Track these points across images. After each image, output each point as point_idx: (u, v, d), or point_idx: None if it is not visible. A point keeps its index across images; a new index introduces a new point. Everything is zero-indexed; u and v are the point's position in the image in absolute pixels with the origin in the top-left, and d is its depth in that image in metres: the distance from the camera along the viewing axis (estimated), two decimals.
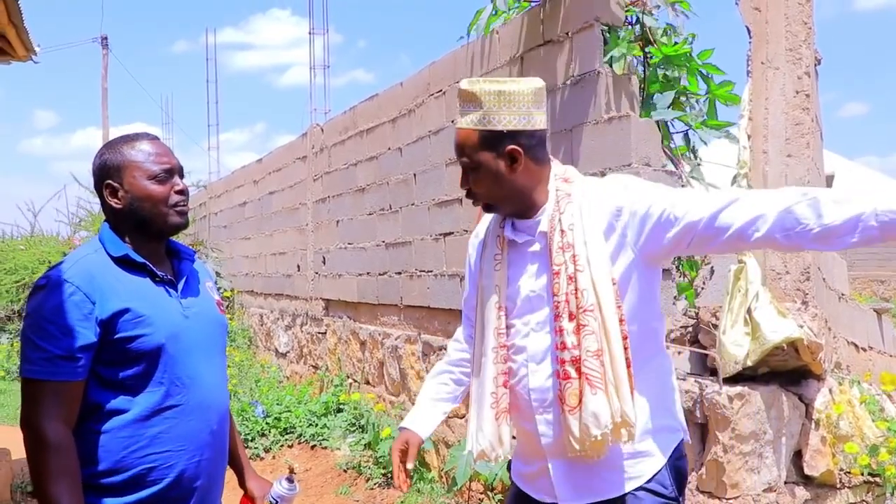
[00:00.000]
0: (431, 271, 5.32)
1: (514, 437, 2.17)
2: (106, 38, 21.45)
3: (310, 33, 11.66)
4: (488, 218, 2.21)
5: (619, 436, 1.94)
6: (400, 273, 5.83)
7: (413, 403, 5.54)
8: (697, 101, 4.24)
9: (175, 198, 1.99)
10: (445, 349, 5.02)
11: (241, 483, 2.29)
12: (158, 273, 1.98)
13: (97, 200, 13.03)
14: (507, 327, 2.10)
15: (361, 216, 6.53)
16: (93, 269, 1.89)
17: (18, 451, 6.02)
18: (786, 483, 3.32)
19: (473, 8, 4.41)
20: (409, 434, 2.29)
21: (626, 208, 1.97)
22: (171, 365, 1.93)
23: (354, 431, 6.17)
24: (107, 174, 1.98)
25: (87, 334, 1.83)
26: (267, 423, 6.64)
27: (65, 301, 1.83)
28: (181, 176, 2.05)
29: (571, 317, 1.95)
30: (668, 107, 4.01)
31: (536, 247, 2.06)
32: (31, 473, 1.83)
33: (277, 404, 6.88)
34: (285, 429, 6.61)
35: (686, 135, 4.29)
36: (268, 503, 2.20)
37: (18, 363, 1.94)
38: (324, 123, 7.71)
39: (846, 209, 1.74)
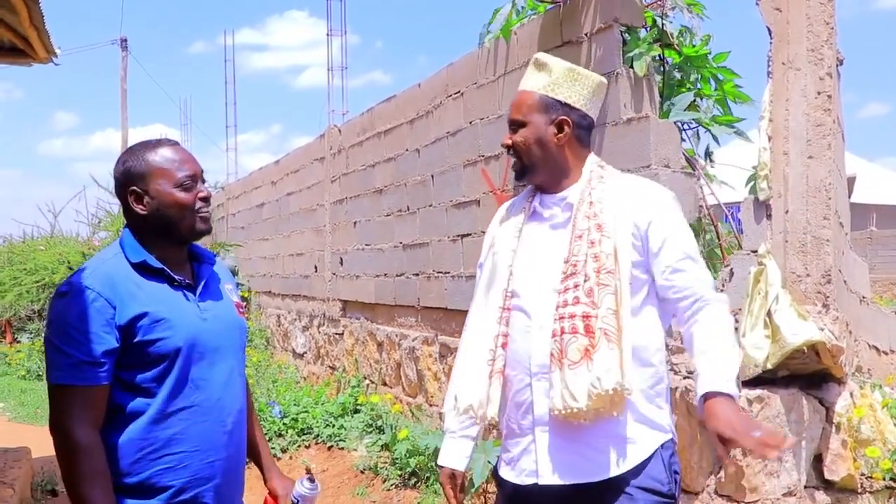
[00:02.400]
0: (449, 272, 5.31)
1: (497, 428, 2.19)
2: (125, 40, 21.63)
3: (327, 35, 11.73)
4: (504, 208, 2.33)
5: (615, 403, 1.97)
6: (417, 274, 5.83)
7: (430, 405, 5.58)
8: (704, 100, 4.23)
9: (199, 204, 2.02)
10: None
11: (266, 482, 2.29)
12: (176, 278, 2.00)
13: (116, 202, 13.12)
14: (515, 291, 2.16)
15: (379, 217, 6.54)
16: (113, 274, 1.92)
17: (39, 450, 6.07)
18: (806, 487, 3.28)
19: (492, 10, 4.40)
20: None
21: (652, 225, 2.08)
22: (188, 368, 1.95)
23: (371, 432, 6.17)
24: (131, 181, 1.99)
25: (109, 339, 1.86)
26: (284, 424, 6.65)
27: (87, 307, 1.86)
28: (203, 181, 2.07)
29: (587, 277, 2.02)
30: (685, 109, 4.01)
31: (560, 218, 2.16)
32: (64, 477, 1.86)
33: (295, 405, 6.89)
34: (302, 429, 6.62)
35: (697, 136, 4.28)
36: (290, 503, 2.20)
37: (45, 368, 1.95)
38: (341, 125, 7.73)
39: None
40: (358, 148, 7.05)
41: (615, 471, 2.02)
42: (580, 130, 2.18)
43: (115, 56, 21.37)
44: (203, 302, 2.04)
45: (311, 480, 2.24)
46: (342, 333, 7.43)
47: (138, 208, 1.99)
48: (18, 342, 13.64)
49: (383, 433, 5.92)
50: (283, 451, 6.41)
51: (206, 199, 2.03)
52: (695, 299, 2.05)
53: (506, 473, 2.20)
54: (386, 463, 5.54)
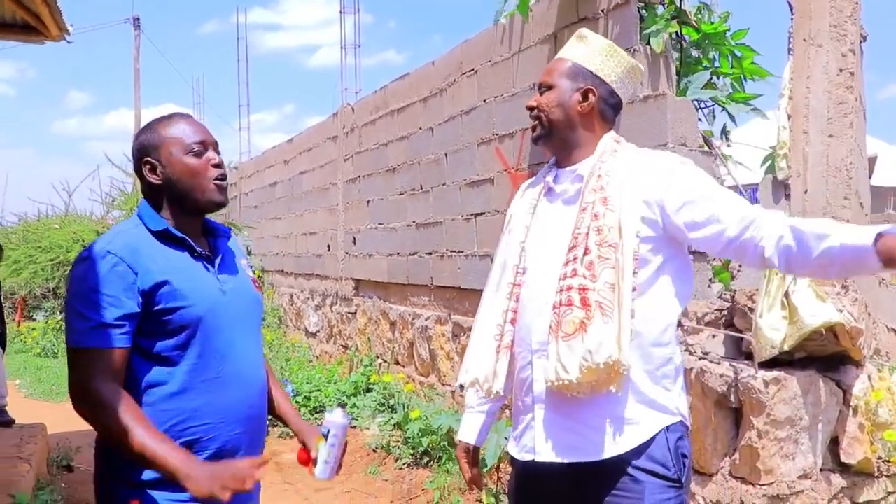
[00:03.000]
0: (462, 252, 5.28)
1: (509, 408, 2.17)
2: (138, 19, 21.56)
3: (340, 12, 11.57)
4: (525, 186, 2.31)
5: (610, 378, 1.93)
6: (430, 253, 5.80)
7: (442, 384, 5.57)
8: (721, 79, 4.17)
9: (213, 171, 2.02)
10: None
11: (297, 435, 2.25)
12: (197, 248, 2.00)
13: (130, 181, 13.15)
14: (525, 268, 2.15)
15: (392, 196, 6.51)
16: (133, 242, 1.92)
17: (54, 427, 6.12)
18: (821, 470, 3.25)
19: None
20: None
21: (666, 189, 2.01)
22: (209, 338, 1.94)
23: (384, 411, 6.17)
24: (146, 152, 2.01)
25: (131, 304, 1.85)
26: (297, 402, 6.67)
27: (109, 271, 1.86)
28: (216, 151, 2.07)
29: (587, 251, 1.98)
30: (702, 87, 3.96)
31: (571, 192, 2.13)
32: (105, 438, 1.87)
33: (307, 383, 6.91)
34: (315, 408, 6.64)
35: (713, 114, 4.22)
36: (321, 436, 2.15)
37: (65, 333, 1.93)
38: (355, 103, 7.69)
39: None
40: (371, 126, 7.01)
41: (612, 451, 1.99)
42: (605, 105, 2.16)
43: (127, 35, 21.31)
44: (222, 275, 2.05)
45: (342, 406, 2.22)
46: (355, 312, 7.42)
47: (152, 178, 2.00)
48: (34, 320, 13.72)
49: (395, 412, 5.93)
50: None
51: (218, 166, 2.04)
52: (757, 228, 1.93)
53: (511, 449, 2.21)
54: (398, 442, 5.54)
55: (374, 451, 5.62)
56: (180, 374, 1.91)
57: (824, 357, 3.30)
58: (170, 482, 1.83)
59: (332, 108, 8.23)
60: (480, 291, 4.97)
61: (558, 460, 2.04)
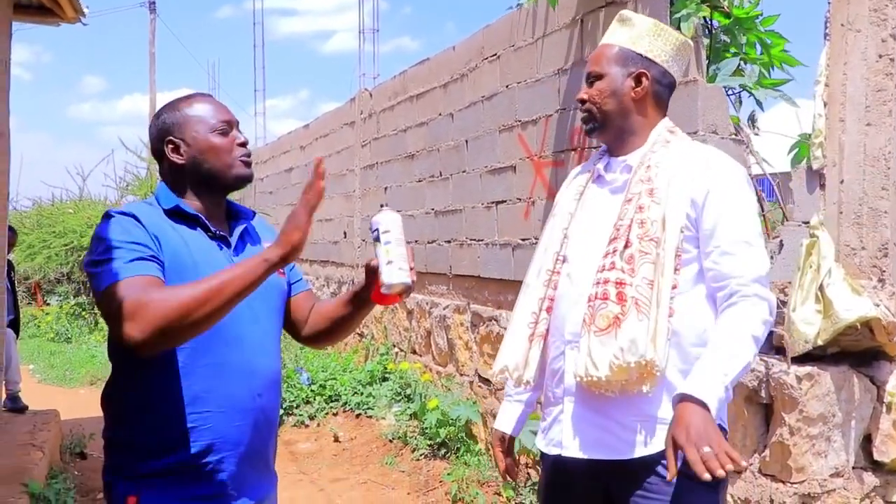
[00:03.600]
0: (482, 240, 5.20)
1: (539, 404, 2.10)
2: (154, 3, 21.58)
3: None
4: (575, 172, 2.25)
5: (643, 378, 1.86)
6: (449, 242, 5.72)
7: (461, 374, 5.50)
8: (749, 66, 4.07)
9: (239, 150, 1.96)
10: (495, 319, 4.95)
11: (360, 290, 2.07)
12: (212, 227, 1.94)
13: (144, 165, 13.04)
14: (566, 256, 2.08)
15: (410, 183, 6.43)
16: (147, 215, 1.86)
17: (68, 413, 6.09)
18: (854, 468, 3.16)
19: None
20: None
21: (709, 196, 1.93)
22: (221, 323, 1.80)
23: (400, 401, 6.11)
24: (168, 132, 1.95)
25: (157, 250, 1.79)
26: (312, 391, 6.62)
27: (132, 225, 1.81)
28: (239, 131, 2.01)
29: (628, 243, 1.91)
30: (731, 74, 3.86)
31: (619, 181, 2.06)
32: (203, 319, 1.66)
33: (322, 371, 6.85)
34: (330, 396, 6.59)
35: (739, 101, 4.12)
36: (374, 241, 1.92)
37: (92, 286, 1.77)
38: (372, 88, 7.60)
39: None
40: (389, 112, 6.92)
41: (642, 451, 1.91)
42: (659, 87, 2.09)
43: (142, 19, 21.36)
44: (237, 256, 1.95)
45: (382, 205, 1.99)
46: None
47: (175, 158, 1.94)
48: (47, 304, 13.74)
49: (412, 402, 5.86)
50: (311, 418, 6.37)
51: (244, 145, 1.98)
52: (732, 291, 1.88)
53: (539, 442, 2.15)
54: (415, 432, 5.48)
55: (390, 441, 5.57)
56: (183, 355, 1.81)
57: (857, 352, 3.21)
58: (170, 474, 1.78)
59: (348, 93, 8.16)
60: (500, 281, 4.95)
61: (585, 457, 1.97)
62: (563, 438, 1.99)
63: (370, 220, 1.95)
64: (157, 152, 1.99)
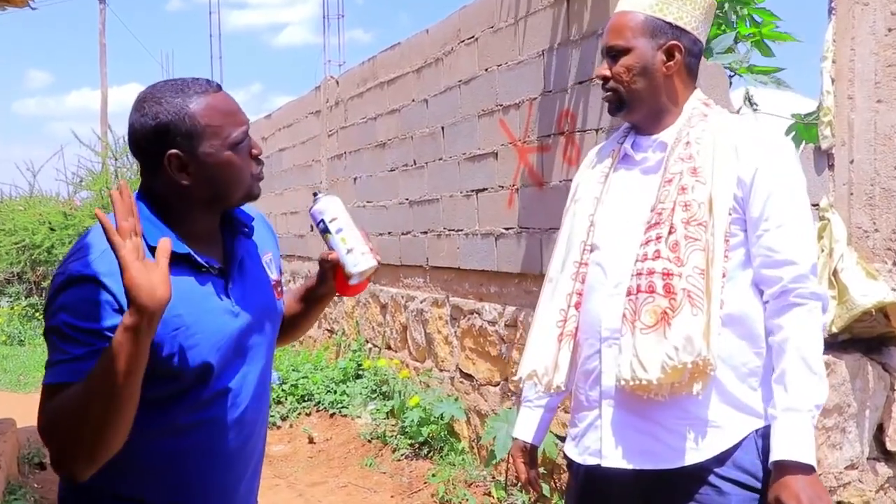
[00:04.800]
0: (462, 230, 5.00)
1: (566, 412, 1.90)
2: None
3: None
4: (594, 151, 2.05)
5: (694, 378, 1.68)
6: (426, 232, 5.51)
7: (440, 370, 5.30)
8: (741, 43, 3.94)
9: (255, 167, 1.63)
10: (477, 312, 4.75)
11: (318, 282, 1.89)
12: (204, 263, 1.59)
13: (98, 160, 12.43)
14: (595, 244, 1.88)
15: (382, 173, 6.20)
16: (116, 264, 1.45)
17: (24, 420, 5.76)
18: (867, 459, 3.04)
19: None
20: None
21: (758, 174, 1.75)
22: (210, 380, 1.58)
23: (375, 399, 5.90)
24: (171, 139, 1.54)
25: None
26: (283, 391, 6.37)
27: (89, 304, 1.45)
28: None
29: (672, 229, 1.72)
30: (723, 52, 3.73)
31: (652, 161, 1.85)
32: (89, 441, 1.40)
33: (294, 371, 6.61)
34: (303, 396, 6.35)
35: (730, 81, 3.99)
36: (322, 234, 1.78)
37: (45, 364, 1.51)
38: (339, 76, 7.35)
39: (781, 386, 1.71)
40: (358, 100, 6.68)
41: (693, 458, 1.73)
42: (691, 58, 1.87)
43: (90, 10, 20.80)
44: (235, 291, 1.65)
45: (315, 195, 1.85)
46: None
47: (181, 178, 1.55)
48: None
49: (389, 399, 5.66)
50: (283, 418, 6.13)
51: (258, 157, 1.64)
52: (783, 288, 1.72)
53: (570, 451, 1.93)
54: (394, 431, 5.28)
55: (368, 441, 5.35)
56: (171, 419, 1.56)
57: (868, 339, 3.09)
58: None
59: (302, 86, 7.91)
60: (482, 272, 4.75)
61: (630, 467, 1.77)
62: (603, 447, 1.80)
63: (310, 213, 1.78)
64: (147, 155, 1.58)
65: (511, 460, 2.12)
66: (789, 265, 1.72)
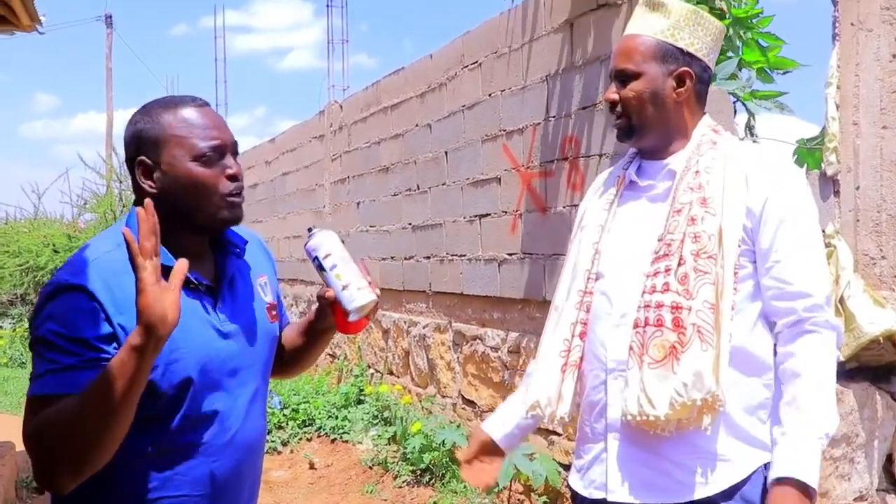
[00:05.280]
0: (465, 255, 4.98)
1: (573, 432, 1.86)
2: (110, 17, 21.21)
3: (327, 5, 11.25)
4: (602, 178, 2.02)
5: (702, 413, 1.64)
6: (429, 257, 5.49)
7: (442, 396, 5.26)
8: (744, 70, 3.93)
9: (227, 185, 1.59)
10: (480, 338, 4.71)
11: (317, 318, 1.83)
12: (193, 279, 1.58)
13: (103, 182, 12.50)
14: (600, 273, 1.84)
15: (385, 197, 6.19)
16: (109, 273, 1.48)
17: (22, 443, 5.72)
18: (877, 491, 2.99)
19: None
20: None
21: (768, 203, 1.72)
22: (196, 399, 1.54)
23: (377, 424, 5.85)
24: (140, 148, 1.56)
25: (106, 349, 1.44)
26: (284, 415, 6.32)
27: (79, 313, 1.44)
28: (234, 155, 1.64)
29: (682, 261, 1.68)
30: (727, 78, 3.71)
31: (659, 189, 1.82)
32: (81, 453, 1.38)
33: (295, 395, 6.55)
34: (304, 421, 6.29)
35: (734, 108, 3.98)
36: (318, 271, 1.73)
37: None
38: (343, 100, 7.36)
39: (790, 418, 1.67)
40: (361, 124, 6.68)
41: (702, 493, 1.69)
42: (700, 85, 1.85)
43: (98, 35, 20.99)
44: (225, 310, 1.63)
45: (310, 230, 1.81)
46: None
47: (147, 185, 1.56)
48: (0, 328, 13.21)
49: (390, 425, 5.60)
50: (284, 444, 6.07)
51: (235, 178, 1.60)
52: (798, 318, 1.68)
53: (575, 483, 1.88)
54: (395, 458, 5.22)
55: (369, 467, 5.29)
56: (156, 441, 1.52)
57: (875, 367, 3.05)
58: None
59: (306, 110, 7.94)
60: (485, 298, 4.72)
61: (637, 502, 1.72)
62: (609, 481, 1.75)
63: (305, 249, 1.74)
64: (127, 162, 1.62)
65: (468, 444, 2.01)
66: (803, 297, 1.69)
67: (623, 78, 1.83)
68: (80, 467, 1.39)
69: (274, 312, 1.79)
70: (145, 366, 1.37)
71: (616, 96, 1.84)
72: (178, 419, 1.53)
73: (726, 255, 1.68)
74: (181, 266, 1.41)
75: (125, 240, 1.38)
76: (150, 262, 1.37)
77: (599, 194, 1.96)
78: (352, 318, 1.69)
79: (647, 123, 1.82)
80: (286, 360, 1.90)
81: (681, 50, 1.81)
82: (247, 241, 1.77)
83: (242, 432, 1.64)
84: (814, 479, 1.61)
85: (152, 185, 1.56)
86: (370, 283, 1.72)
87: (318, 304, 1.81)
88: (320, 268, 1.71)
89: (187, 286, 1.56)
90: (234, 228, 1.72)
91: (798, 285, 1.69)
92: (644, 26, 1.84)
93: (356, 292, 1.67)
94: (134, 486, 1.52)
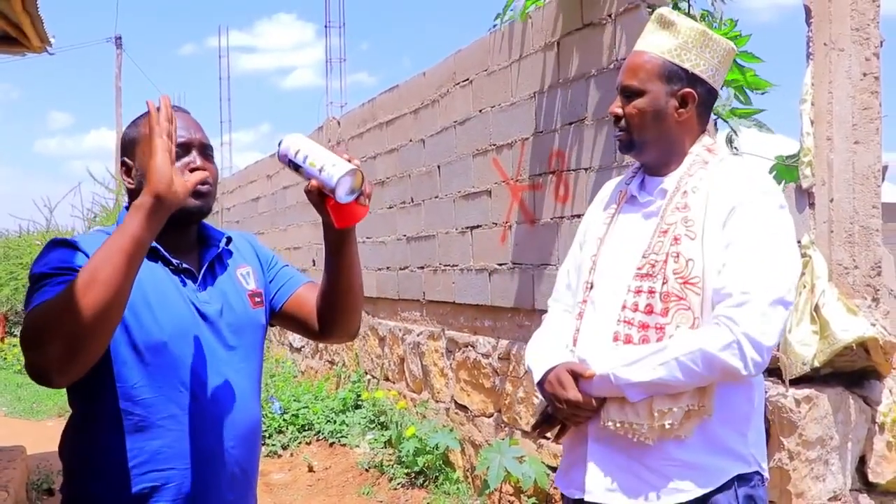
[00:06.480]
0: (457, 265, 5.11)
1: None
2: (120, 38, 21.56)
3: (325, 26, 11.44)
4: (609, 188, 2.10)
5: (683, 426, 1.75)
6: (423, 267, 5.62)
7: (436, 401, 5.38)
8: (722, 89, 4.05)
9: (187, 176, 1.61)
10: (472, 345, 4.84)
11: (324, 230, 1.80)
12: (173, 261, 1.71)
13: (112, 196, 12.69)
14: (593, 283, 1.92)
15: (380, 210, 6.33)
16: (97, 243, 1.56)
17: (35, 447, 5.85)
18: (850, 490, 3.11)
19: (478, 10, 4.19)
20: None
21: (732, 214, 1.78)
22: (175, 368, 1.66)
23: (374, 428, 5.98)
24: (124, 151, 1.76)
25: None
26: (284, 420, 6.46)
27: (69, 254, 1.60)
28: (204, 155, 1.74)
29: (665, 280, 1.76)
30: None
31: (654, 206, 1.89)
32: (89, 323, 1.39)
33: (295, 400, 6.71)
34: (303, 425, 6.45)
35: (715, 125, 4.11)
36: (296, 171, 1.68)
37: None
38: (341, 116, 7.51)
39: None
40: (358, 140, 6.83)
41: (673, 499, 1.78)
42: (703, 106, 1.90)
43: (108, 55, 21.35)
44: (203, 292, 1.74)
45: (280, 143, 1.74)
46: None
47: (127, 182, 1.74)
48: (14, 336, 13.41)
49: (386, 429, 5.74)
50: (284, 447, 6.22)
51: (196, 170, 1.67)
52: (717, 313, 1.73)
53: (559, 481, 2.01)
54: (391, 461, 5.35)
55: (366, 470, 5.42)
56: (142, 408, 1.62)
57: (849, 372, 3.17)
58: None
59: (310, 126, 8.07)
60: (476, 306, 4.86)
61: (608, 503, 1.84)
62: (587, 481, 1.86)
63: (278, 158, 1.72)
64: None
65: (550, 386, 1.91)
66: (728, 297, 1.72)
67: (628, 94, 1.88)
68: (74, 349, 1.39)
69: (258, 300, 1.86)
70: (147, 231, 1.42)
71: (620, 111, 1.90)
72: (156, 388, 1.63)
73: (706, 278, 1.74)
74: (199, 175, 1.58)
75: (147, 107, 1.51)
76: (167, 137, 1.48)
77: (603, 206, 2.03)
78: (341, 199, 1.62)
79: (647, 140, 1.88)
80: (332, 301, 1.86)
81: (686, 71, 1.85)
82: (225, 236, 1.88)
83: (227, 409, 1.72)
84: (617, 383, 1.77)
85: (130, 181, 1.73)
86: (347, 159, 1.63)
87: (314, 206, 1.74)
88: (296, 167, 1.66)
89: (169, 266, 1.71)
90: (213, 228, 1.88)
91: (729, 289, 1.72)
92: (652, 44, 1.89)
93: (332, 168, 1.60)
94: (125, 462, 1.61)
